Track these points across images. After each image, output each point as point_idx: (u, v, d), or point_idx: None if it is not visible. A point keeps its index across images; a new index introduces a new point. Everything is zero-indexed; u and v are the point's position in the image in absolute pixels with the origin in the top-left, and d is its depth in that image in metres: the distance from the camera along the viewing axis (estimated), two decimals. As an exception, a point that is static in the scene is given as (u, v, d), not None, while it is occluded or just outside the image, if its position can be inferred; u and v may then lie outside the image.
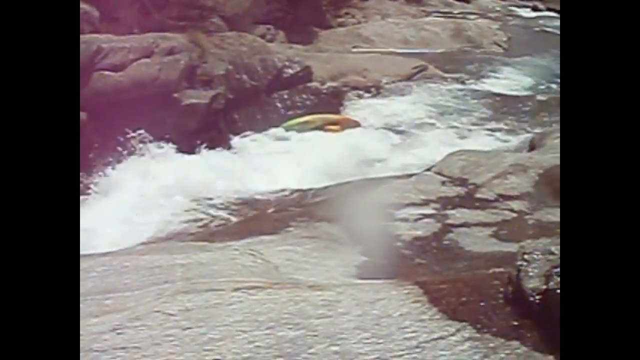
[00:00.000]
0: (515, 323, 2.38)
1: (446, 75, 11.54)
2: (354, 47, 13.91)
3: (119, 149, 7.23)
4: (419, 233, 4.23)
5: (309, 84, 9.71)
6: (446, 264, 3.81)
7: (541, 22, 19.06)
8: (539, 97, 10.48)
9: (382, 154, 8.22)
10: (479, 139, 8.84)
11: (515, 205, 4.58)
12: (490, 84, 11.67)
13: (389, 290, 2.66)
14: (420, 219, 4.45)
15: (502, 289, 2.59)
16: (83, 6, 8.65)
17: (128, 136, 7.31)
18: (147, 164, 7.20)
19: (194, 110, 7.94)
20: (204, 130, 7.97)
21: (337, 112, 9.56)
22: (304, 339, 2.27)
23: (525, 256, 2.57)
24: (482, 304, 2.53)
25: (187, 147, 7.61)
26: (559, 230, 2.29)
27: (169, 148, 7.49)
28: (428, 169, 5.79)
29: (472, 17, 18.38)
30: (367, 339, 2.29)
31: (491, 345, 2.27)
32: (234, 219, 5.68)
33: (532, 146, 6.64)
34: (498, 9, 21.43)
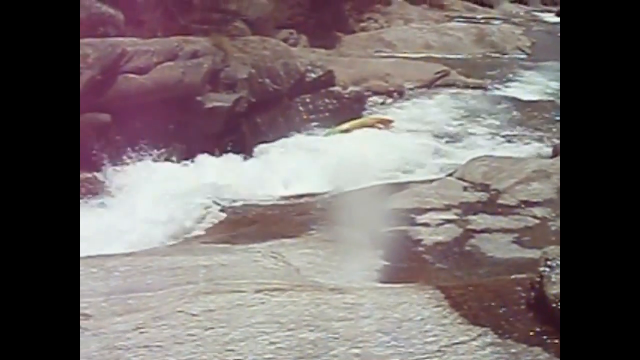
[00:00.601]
0: (538, 329, 2.37)
1: (469, 80, 11.49)
2: (377, 51, 13.91)
3: (142, 150, 7.29)
4: (440, 238, 4.23)
5: (331, 89, 9.72)
6: (467, 269, 3.80)
7: (565, 27, 18.88)
8: (563, 103, 10.38)
9: (414, 159, 8.21)
10: (501, 145, 8.79)
11: (538, 211, 4.55)
12: (514, 90, 11.60)
13: (410, 294, 2.66)
14: (441, 224, 4.44)
15: (524, 295, 2.59)
16: (109, 10, 8.75)
17: (151, 138, 7.37)
18: (169, 166, 7.25)
19: (216, 114, 7.98)
20: (227, 133, 8.01)
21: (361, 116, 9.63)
22: (325, 341, 2.28)
23: (548, 262, 2.55)
24: (504, 309, 2.52)
25: (209, 150, 7.66)
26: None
27: (192, 150, 7.53)
28: (450, 174, 5.78)
29: (496, 22, 18.29)
30: (388, 342, 2.29)
31: (513, 351, 2.26)
32: (256, 222, 5.70)
33: (555, 152, 6.59)
34: (522, 14, 21.30)
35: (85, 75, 7.00)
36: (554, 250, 2.63)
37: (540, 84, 12.17)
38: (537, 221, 4.43)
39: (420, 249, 4.11)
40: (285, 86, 9.06)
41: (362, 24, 15.68)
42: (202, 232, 5.66)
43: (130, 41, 7.90)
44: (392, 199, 5.03)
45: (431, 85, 11.07)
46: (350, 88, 9.99)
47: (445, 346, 2.27)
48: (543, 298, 2.44)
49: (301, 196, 6.43)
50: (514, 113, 10.09)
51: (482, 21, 18.13)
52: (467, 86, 11.25)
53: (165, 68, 7.77)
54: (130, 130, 7.23)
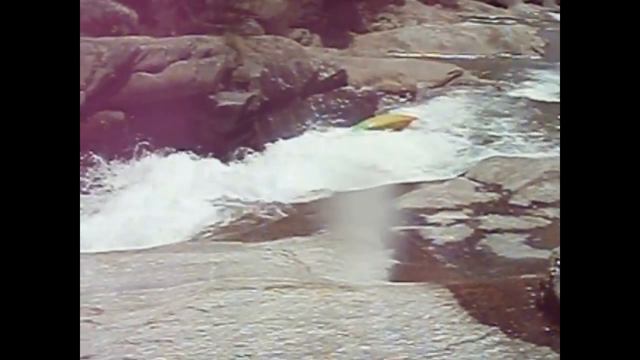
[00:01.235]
0: (547, 329, 2.37)
1: (482, 81, 11.46)
2: (390, 51, 13.90)
3: (154, 148, 7.32)
4: (451, 238, 4.23)
5: (343, 88, 9.73)
6: (478, 269, 3.80)
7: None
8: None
9: (438, 158, 8.22)
10: (514, 145, 8.76)
11: (550, 212, 4.54)
12: (527, 90, 11.55)
13: (420, 292, 2.67)
14: (453, 224, 4.44)
15: (534, 295, 2.58)
16: (123, 8, 8.81)
17: (164, 136, 7.40)
18: (182, 164, 7.28)
19: (229, 112, 8.01)
20: (239, 132, 8.04)
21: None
22: (334, 338, 2.29)
23: (558, 263, 2.55)
24: (513, 309, 2.52)
25: (222, 148, 7.69)
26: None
27: (204, 149, 7.56)
28: (462, 174, 5.77)
29: (509, 22, 18.21)
30: (397, 339, 2.30)
31: (521, 350, 2.26)
32: (267, 220, 5.72)
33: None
34: (536, 14, 21.18)
35: (99, 74, 7.06)
36: (565, 250, 2.62)
37: (553, 85, 12.11)
38: (548, 222, 4.42)
39: (431, 248, 4.12)
40: (297, 85, 9.08)
41: (375, 24, 15.67)
42: (213, 230, 5.69)
43: (144, 40, 7.95)
44: (404, 199, 5.04)
45: (444, 85, 11.05)
46: (363, 88, 10.00)
47: (454, 344, 2.28)
48: (553, 298, 2.44)
49: (312, 194, 6.44)
50: (527, 113, 10.05)
51: (495, 21, 18.05)
52: (480, 86, 11.22)
53: (179, 67, 7.81)
54: (143, 128, 7.27)
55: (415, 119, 9.44)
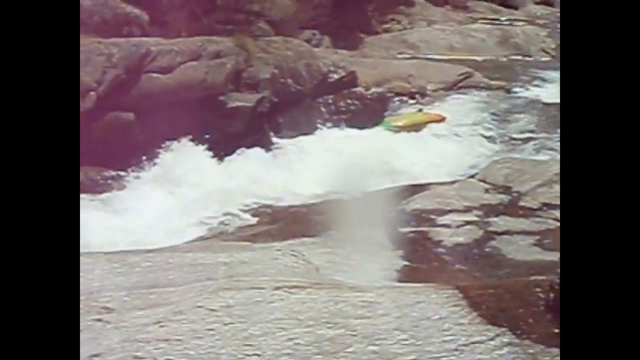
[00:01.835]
0: (556, 330, 2.36)
1: (492, 82, 11.42)
2: (399, 53, 13.88)
3: (164, 149, 7.35)
4: (460, 239, 4.23)
5: (353, 89, 9.73)
6: (487, 271, 3.80)
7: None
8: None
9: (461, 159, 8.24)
10: (523, 147, 8.74)
11: (559, 214, 4.52)
12: (538, 92, 11.49)
13: (429, 293, 2.67)
14: (462, 225, 4.44)
15: (543, 297, 2.58)
16: (133, 10, 8.86)
17: (174, 137, 7.43)
18: (192, 165, 7.31)
19: (239, 113, 8.04)
20: (249, 133, 8.06)
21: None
22: (343, 338, 2.30)
23: (567, 264, 2.54)
24: (522, 310, 2.51)
25: (231, 149, 7.71)
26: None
27: (214, 149, 7.59)
28: (472, 176, 5.76)
29: (520, 23, 18.13)
30: (406, 340, 2.30)
31: (530, 351, 2.26)
32: (276, 221, 5.73)
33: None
34: (547, 15, 21.08)
35: (109, 74, 7.10)
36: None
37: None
38: (558, 224, 4.40)
39: (441, 249, 4.12)
40: (307, 87, 9.09)
41: (385, 25, 15.65)
42: (222, 231, 5.71)
43: (154, 41, 8.00)
44: (413, 200, 5.04)
45: (454, 87, 11.02)
46: (373, 89, 9.99)
47: (463, 345, 2.27)
48: (562, 299, 2.43)
49: (321, 195, 6.45)
50: (538, 115, 10.01)
51: (506, 23, 17.98)
52: (490, 88, 11.18)
53: (189, 68, 7.84)
54: (153, 129, 7.31)
55: (444, 118, 9.44)
